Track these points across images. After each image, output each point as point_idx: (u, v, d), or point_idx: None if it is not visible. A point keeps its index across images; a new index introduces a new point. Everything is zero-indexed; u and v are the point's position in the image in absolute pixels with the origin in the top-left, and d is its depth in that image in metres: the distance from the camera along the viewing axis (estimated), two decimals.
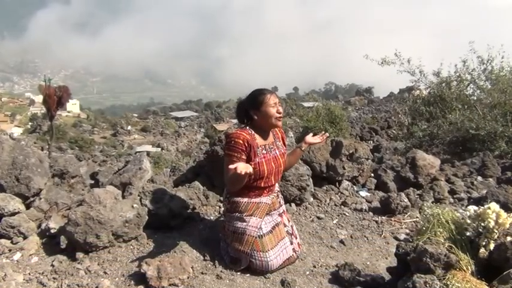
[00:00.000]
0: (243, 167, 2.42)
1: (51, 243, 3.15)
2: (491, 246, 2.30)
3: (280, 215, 3.03)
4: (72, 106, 76.37)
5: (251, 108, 2.83)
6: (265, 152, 2.84)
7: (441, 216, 2.56)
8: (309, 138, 3.16)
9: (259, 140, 2.84)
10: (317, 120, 13.34)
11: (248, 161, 2.70)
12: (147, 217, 3.27)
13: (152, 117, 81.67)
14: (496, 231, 2.35)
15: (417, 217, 4.09)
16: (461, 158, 7.52)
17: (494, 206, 2.42)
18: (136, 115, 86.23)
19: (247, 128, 2.84)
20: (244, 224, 2.82)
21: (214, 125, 63.03)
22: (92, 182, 4.95)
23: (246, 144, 2.71)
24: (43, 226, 3.27)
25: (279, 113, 2.82)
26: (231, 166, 2.44)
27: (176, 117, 79.00)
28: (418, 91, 12.96)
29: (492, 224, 2.35)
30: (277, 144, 2.98)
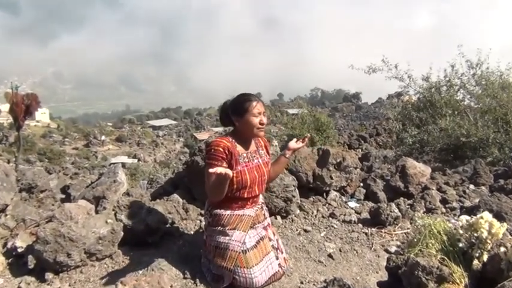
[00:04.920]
0: (222, 170, 2.46)
1: (18, 263, 3.08)
2: (485, 257, 2.33)
3: (265, 228, 3.02)
4: (42, 115, 75.10)
5: (233, 114, 2.84)
6: (247, 160, 2.84)
7: (433, 227, 2.59)
8: (292, 144, 3.18)
9: (240, 147, 2.84)
10: (302, 127, 13.40)
11: (229, 169, 2.70)
12: (122, 233, 3.23)
13: (128, 126, 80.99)
14: (489, 241, 2.38)
15: (408, 228, 4.13)
16: (453, 166, 7.65)
17: (487, 216, 2.46)
18: (110, 124, 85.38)
19: (228, 136, 2.85)
20: (227, 238, 2.81)
21: (194, 133, 62.87)
22: (63, 196, 4.87)
23: (227, 152, 2.71)
24: (9, 245, 3.19)
25: (262, 124, 2.82)
26: (211, 170, 2.46)
27: (154, 126, 78.53)
28: (407, 97, 13.19)
29: (485, 234, 2.39)
30: (259, 152, 2.98)
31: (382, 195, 5.17)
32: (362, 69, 11.59)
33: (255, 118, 2.79)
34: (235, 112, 2.84)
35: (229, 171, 2.53)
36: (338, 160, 5.05)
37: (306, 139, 3.18)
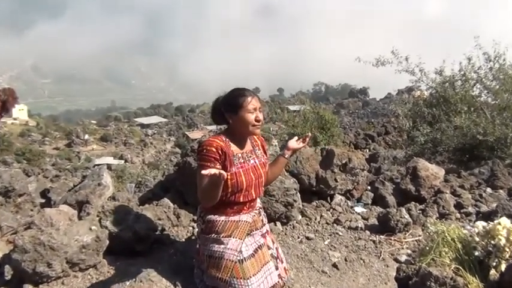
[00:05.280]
0: (216, 171, 2.43)
1: None
2: (503, 266, 2.34)
3: (263, 235, 3.02)
4: (19, 112, 75.02)
5: (227, 111, 2.83)
6: (242, 161, 2.83)
7: (446, 234, 2.60)
8: (292, 143, 3.16)
9: (234, 147, 2.83)
10: (305, 126, 13.39)
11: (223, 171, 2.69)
12: (107, 241, 3.22)
13: (114, 124, 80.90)
14: (508, 249, 2.39)
15: (420, 235, 4.14)
16: (468, 167, 7.66)
17: (505, 222, 2.46)
18: (94, 122, 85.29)
19: (221, 134, 2.84)
20: (222, 246, 2.80)
21: (186, 132, 62.88)
22: (43, 200, 4.87)
23: (220, 152, 2.70)
24: None
25: (258, 121, 2.81)
26: (204, 172, 2.44)
27: (142, 124, 78.48)
28: (418, 92, 13.19)
29: (503, 241, 2.39)
30: (256, 152, 2.97)
31: (391, 200, 5.18)
32: (370, 62, 11.59)
33: (251, 114, 2.78)
34: (228, 108, 2.82)
35: (223, 173, 2.51)
36: (343, 161, 5.05)
37: (307, 139, 3.17)
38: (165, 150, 56.68)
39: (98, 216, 3.64)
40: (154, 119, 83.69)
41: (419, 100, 12.27)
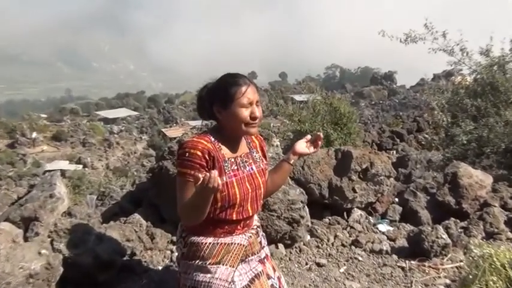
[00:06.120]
0: (214, 179, 2.34)
1: None
2: None
3: (261, 261, 3.02)
4: None
5: (216, 103, 2.78)
6: (235, 167, 2.80)
7: (495, 259, 2.61)
8: (300, 146, 3.09)
9: (226, 150, 2.78)
10: (314, 121, 13.39)
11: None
12: (61, 269, 3.22)
13: (69, 118, 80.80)
14: None
15: (461, 261, 4.15)
16: None
17: None
18: (45, 116, 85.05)
19: (209, 134, 2.80)
20: (209, 276, 2.79)
21: (163, 129, 62.81)
22: None
23: (207, 157, 2.66)
24: None
25: (254, 118, 2.76)
26: (211, 182, 2.35)
27: (106, 119, 78.41)
28: (459, 77, 13.19)
29: None
30: (253, 156, 2.94)
31: (425, 215, 5.19)
32: (397, 37, 11.55)
33: (244, 110, 2.71)
34: (216, 101, 2.77)
35: (219, 181, 2.42)
36: (364, 166, 5.06)
37: (320, 141, 3.10)
38: (135, 152, 56.64)
39: (49, 237, 3.63)
40: (122, 112, 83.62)
41: (460, 88, 12.25)
